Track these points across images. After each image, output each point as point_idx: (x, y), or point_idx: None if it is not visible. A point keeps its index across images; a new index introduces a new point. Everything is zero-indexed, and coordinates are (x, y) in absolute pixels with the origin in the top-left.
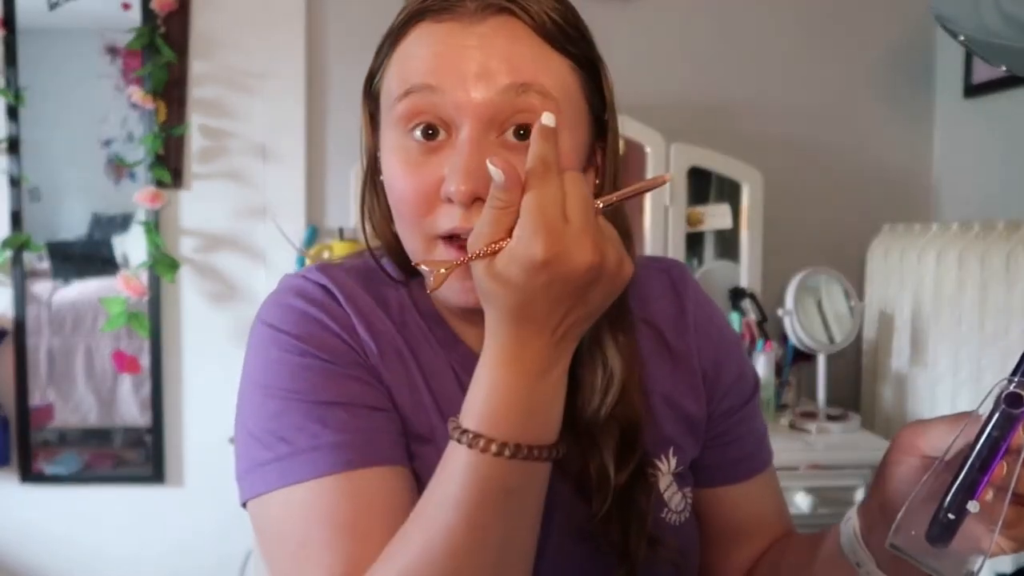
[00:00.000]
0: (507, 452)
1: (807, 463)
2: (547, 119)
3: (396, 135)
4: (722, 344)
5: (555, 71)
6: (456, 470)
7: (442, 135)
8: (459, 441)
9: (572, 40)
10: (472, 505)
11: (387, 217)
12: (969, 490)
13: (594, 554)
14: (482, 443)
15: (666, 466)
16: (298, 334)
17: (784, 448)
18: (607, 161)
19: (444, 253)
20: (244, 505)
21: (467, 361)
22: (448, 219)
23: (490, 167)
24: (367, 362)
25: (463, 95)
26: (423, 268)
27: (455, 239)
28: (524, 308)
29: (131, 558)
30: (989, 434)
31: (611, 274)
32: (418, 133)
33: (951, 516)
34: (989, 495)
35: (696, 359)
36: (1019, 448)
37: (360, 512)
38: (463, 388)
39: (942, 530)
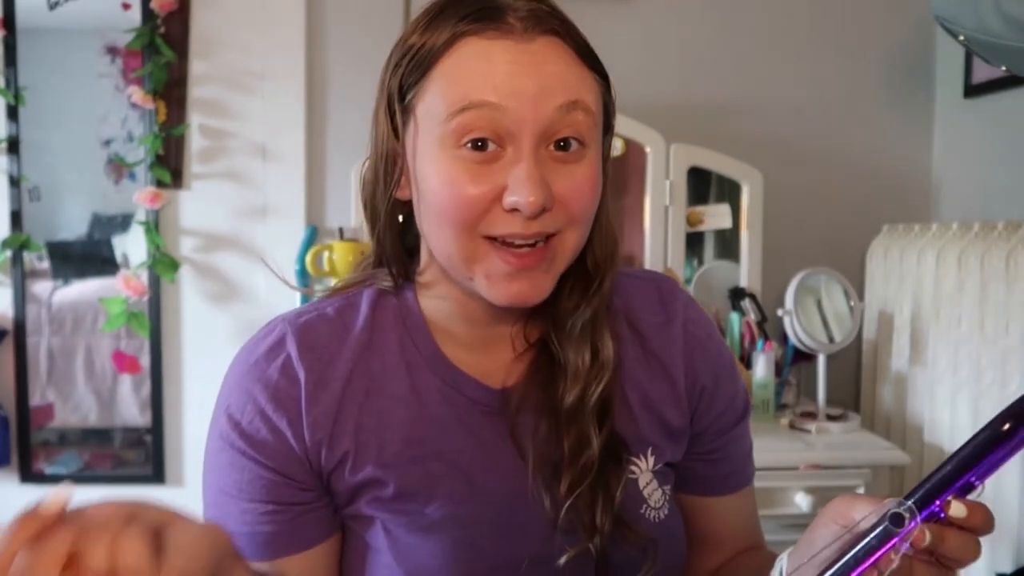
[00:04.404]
0: None
1: (807, 463)
2: None
3: (446, 147)
4: (720, 362)
5: (592, 89)
6: None
7: (492, 147)
8: None
9: (597, 59)
10: None
11: (393, 225)
12: None
13: (562, 541)
14: None
15: (645, 464)
16: (250, 437)
17: (784, 448)
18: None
19: (492, 255)
20: None
21: (448, 376)
22: (507, 225)
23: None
24: (306, 453)
25: (524, 113)
26: None
27: (506, 242)
28: None
29: None
30: (868, 542)
31: None
32: (469, 145)
33: None
34: None
35: (681, 371)
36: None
37: None
38: (423, 406)
39: None
